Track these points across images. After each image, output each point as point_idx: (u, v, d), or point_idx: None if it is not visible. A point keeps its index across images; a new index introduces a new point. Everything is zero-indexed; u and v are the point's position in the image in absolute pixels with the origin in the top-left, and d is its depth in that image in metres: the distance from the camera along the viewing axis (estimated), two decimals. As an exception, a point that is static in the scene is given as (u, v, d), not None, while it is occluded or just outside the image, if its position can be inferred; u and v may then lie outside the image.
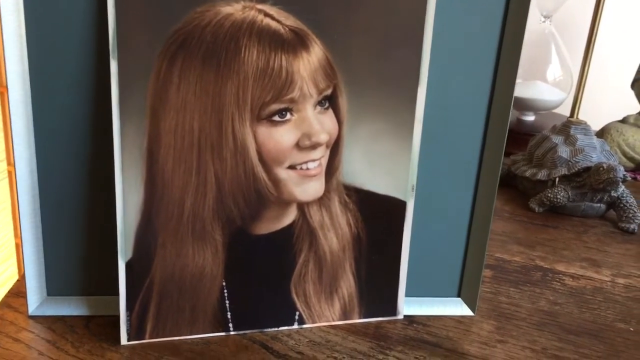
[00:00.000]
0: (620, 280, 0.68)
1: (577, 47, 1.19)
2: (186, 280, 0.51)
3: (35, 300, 0.54)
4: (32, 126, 0.50)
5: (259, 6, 0.47)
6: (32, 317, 0.54)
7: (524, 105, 1.17)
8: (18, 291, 0.57)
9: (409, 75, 0.51)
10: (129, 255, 0.49)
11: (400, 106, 0.51)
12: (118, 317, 0.51)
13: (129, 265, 0.50)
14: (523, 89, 1.16)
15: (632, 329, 0.58)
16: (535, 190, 0.89)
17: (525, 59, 1.18)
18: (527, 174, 0.89)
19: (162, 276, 0.50)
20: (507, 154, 1.02)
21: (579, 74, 1.10)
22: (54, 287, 0.55)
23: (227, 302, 0.52)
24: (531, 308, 0.61)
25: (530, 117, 1.20)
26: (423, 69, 0.51)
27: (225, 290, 0.52)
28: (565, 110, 1.22)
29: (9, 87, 0.48)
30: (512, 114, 1.21)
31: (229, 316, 0.53)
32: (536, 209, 0.86)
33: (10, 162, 1.12)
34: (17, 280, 0.59)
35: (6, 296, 0.56)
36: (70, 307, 0.54)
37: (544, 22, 1.15)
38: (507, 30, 0.52)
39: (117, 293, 0.50)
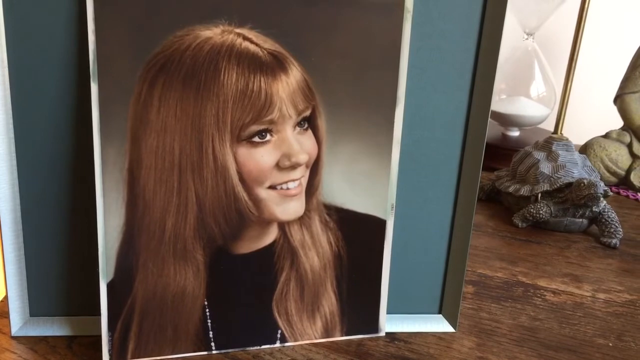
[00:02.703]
0: (601, 296, 0.69)
1: (560, 63, 1.21)
2: (168, 300, 0.51)
3: (18, 321, 0.54)
4: (14, 149, 0.50)
5: (238, 30, 0.47)
6: (15, 338, 0.54)
7: (508, 121, 1.18)
8: (1, 312, 0.57)
9: (386, 96, 0.52)
10: (111, 275, 0.50)
11: (378, 126, 0.52)
12: (100, 337, 0.51)
13: (110, 286, 0.50)
14: (507, 105, 1.17)
15: (611, 344, 0.59)
16: (518, 206, 0.90)
17: (509, 76, 1.20)
18: (511, 189, 0.90)
19: (143, 296, 0.51)
20: (491, 170, 1.03)
21: (562, 90, 1.11)
22: (36, 308, 0.55)
23: (209, 321, 0.53)
24: (512, 324, 0.61)
25: (514, 133, 1.21)
26: (400, 89, 0.52)
27: (207, 310, 0.53)
28: (549, 126, 1.23)
29: (-9, 110, 0.48)
30: (497, 129, 1.23)
31: (211, 335, 0.53)
32: (519, 224, 0.87)
33: None
34: (1, 301, 0.59)
35: (-11, 317, 0.57)
36: (53, 328, 0.55)
37: (527, 39, 1.17)
38: (483, 49, 0.53)
39: (99, 313, 0.50)
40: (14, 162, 0.51)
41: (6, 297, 0.54)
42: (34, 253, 0.53)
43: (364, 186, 0.54)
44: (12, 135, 0.50)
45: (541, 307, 0.65)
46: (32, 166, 0.51)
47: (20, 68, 0.49)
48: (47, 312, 0.55)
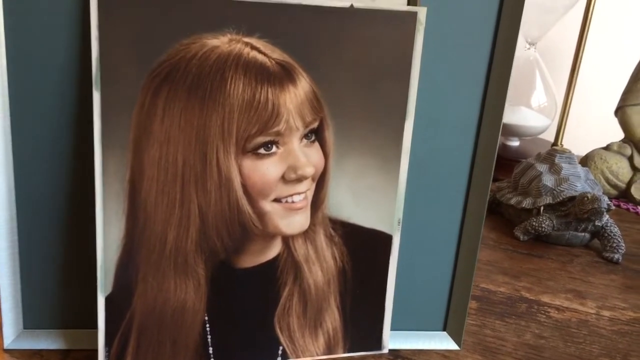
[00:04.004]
0: (605, 313, 0.68)
1: (562, 74, 1.20)
2: (167, 315, 0.50)
3: (11, 334, 0.53)
4: (11, 157, 0.49)
5: (246, 39, 0.46)
6: (8, 351, 0.52)
7: (508, 130, 1.18)
8: (-6, 323, 0.56)
9: (396, 109, 0.51)
10: (109, 289, 0.48)
11: (387, 140, 0.51)
12: (96, 351, 0.49)
13: (108, 300, 0.48)
14: (508, 115, 1.17)
15: (617, 365, 0.58)
16: (520, 219, 0.89)
17: (510, 85, 1.19)
18: (512, 202, 0.89)
19: (142, 310, 0.49)
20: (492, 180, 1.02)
21: (563, 101, 1.11)
22: (30, 320, 0.53)
23: (209, 336, 0.51)
24: (517, 342, 0.60)
25: (515, 143, 1.21)
26: (410, 102, 0.51)
27: (208, 325, 0.51)
28: (549, 136, 1.22)
29: (-12, 116, 0.47)
30: (497, 139, 1.22)
31: (210, 351, 0.52)
32: (521, 237, 0.86)
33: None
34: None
35: (-19, 329, 0.55)
36: (47, 341, 0.53)
37: (529, 49, 1.16)
38: (495, 64, 0.52)
39: (95, 326, 0.49)
40: (11, 171, 0.49)
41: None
42: (29, 264, 0.52)
43: (371, 200, 0.52)
44: (9, 143, 0.48)
45: (545, 324, 0.64)
46: (30, 175, 0.49)
47: (20, 75, 0.47)
48: (42, 324, 0.53)
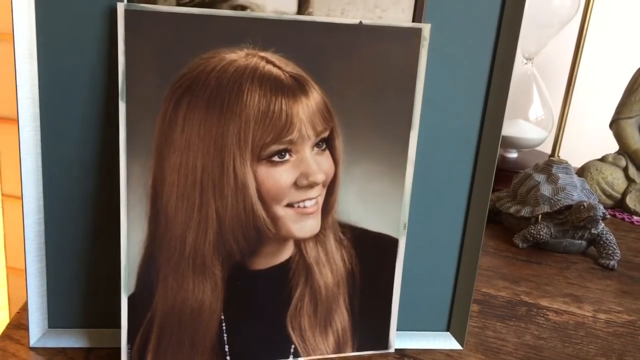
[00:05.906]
0: (601, 316, 0.70)
1: (558, 88, 1.24)
2: (186, 314, 0.53)
3: (37, 332, 0.55)
4: (40, 163, 0.51)
5: (262, 54, 0.49)
6: (33, 349, 0.55)
7: (507, 142, 1.21)
8: (19, 323, 0.58)
9: (402, 119, 0.54)
10: (132, 289, 0.51)
11: (393, 148, 0.54)
12: (118, 349, 0.52)
13: (131, 299, 0.51)
14: (506, 127, 1.20)
15: (613, 363, 0.61)
16: (519, 227, 0.92)
17: (508, 99, 1.23)
18: (511, 210, 0.92)
19: (163, 310, 0.52)
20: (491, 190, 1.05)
21: (559, 114, 1.14)
22: (55, 320, 0.56)
23: (225, 335, 0.54)
24: (517, 342, 0.63)
25: (513, 154, 1.24)
26: (415, 113, 0.54)
27: (224, 324, 0.54)
28: (546, 148, 1.26)
29: (20, 125, 0.50)
30: (496, 151, 1.25)
31: (226, 349, 0.54)
32: (520, 244, 0.89)
33: (4, 192, 1.14)
34: (17, 313, 0.60)
35: (7, 328, 0.57)
36: (71, 340, 0.56)
37: (526, 63, 1.19)
38: (495, 76, 0.55)
39: (117, 325, 0.51)
40: (40, 177, 0.52)
41: (26, 309, 0.55)
42: (55, 265, 0.54)
43: (378, 205, 0.55)
44: (39, 150, 0.51)
45: (544, 326, 0.67)
46: (58, 180, 0.52)
47: (50, 86, 0.50)
48: (66, 324, 0.56)
